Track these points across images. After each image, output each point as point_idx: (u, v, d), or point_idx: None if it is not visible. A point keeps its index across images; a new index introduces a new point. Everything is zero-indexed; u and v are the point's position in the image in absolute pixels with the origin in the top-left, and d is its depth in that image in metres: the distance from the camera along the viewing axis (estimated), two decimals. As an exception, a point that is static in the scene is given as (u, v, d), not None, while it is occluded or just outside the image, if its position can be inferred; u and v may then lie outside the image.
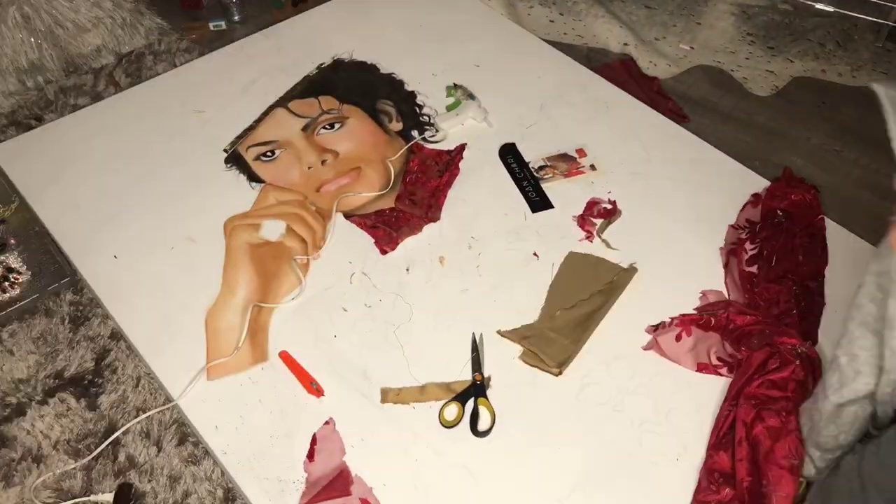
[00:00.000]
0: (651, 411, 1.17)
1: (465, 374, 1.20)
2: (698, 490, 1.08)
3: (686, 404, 1.18)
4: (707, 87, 1.82)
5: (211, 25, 1.93)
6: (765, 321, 1.21)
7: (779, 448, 1.06)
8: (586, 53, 1.89)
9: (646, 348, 1.24)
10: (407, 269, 1.35)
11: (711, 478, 1.08)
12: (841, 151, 1.66)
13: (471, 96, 1.64)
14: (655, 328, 1.26)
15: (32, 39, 1.71)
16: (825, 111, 1.76)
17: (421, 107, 1.65)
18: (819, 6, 1.84)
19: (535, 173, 1.50)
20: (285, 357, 1.22)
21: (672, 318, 1.26)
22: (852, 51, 1.91)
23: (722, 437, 1.12)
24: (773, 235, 1.37)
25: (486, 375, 1.20)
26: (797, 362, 1.13)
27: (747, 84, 1.83)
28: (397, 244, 1.38)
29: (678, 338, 1.23)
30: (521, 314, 1.28)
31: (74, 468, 1.13)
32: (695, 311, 1.27)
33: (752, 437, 1.08)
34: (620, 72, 1.82)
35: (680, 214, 1.44)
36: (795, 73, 1.85)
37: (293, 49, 1.79)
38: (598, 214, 1.43)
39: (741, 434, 1.09)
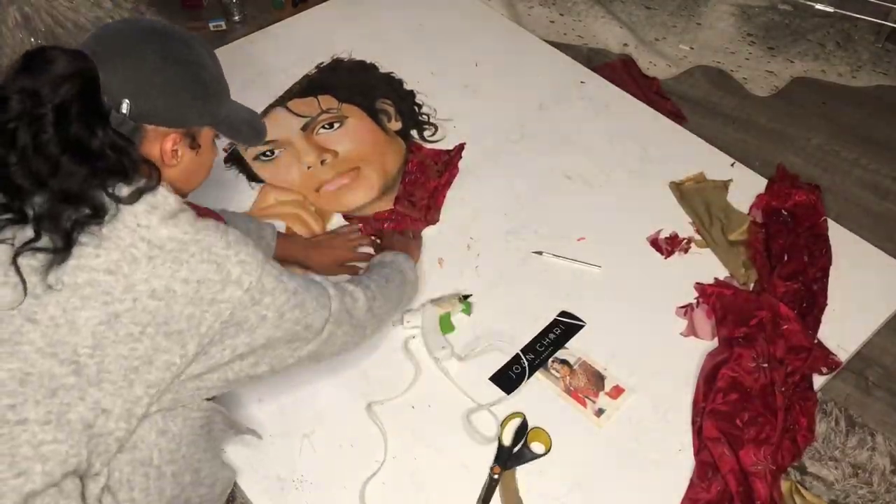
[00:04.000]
0: (649, 410, 1.17)
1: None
2: (690, 486, 1.09)
3: (686, 403, 1.18)
4: (707, 87, 1.82)
5: (211, 25, 1.93)
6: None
7: (743, 456, 1.09)
8: (586, 54, 1.89)
9: (685, 334, 1.26)
10: (406, 270, 1.35)
11: (702, 473, 1.09)
12: (841, 151, 1.66)
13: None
14: (685, 310, 1.29)
15: (32, 39, 1.71)
16: (825, 111, 1.76)
17: (420, 106, 1.65)
18: (819, 6, 1.84)
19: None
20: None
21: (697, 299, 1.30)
22: (852, 51, 1.91)
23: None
24: (779, 233, 1.37)
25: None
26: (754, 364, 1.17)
27: (747, 84, 1.83)
28: None
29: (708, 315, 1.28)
30: (520, 314, 1.28)
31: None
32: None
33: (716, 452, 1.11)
34: (620, 72, 1.82)
35: (681, 216, 1.44)
36: (795, 74, 1.85)
37: (292, 48, 1.79)
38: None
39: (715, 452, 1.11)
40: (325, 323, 0.97)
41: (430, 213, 1.44)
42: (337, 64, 1.75)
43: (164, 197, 0.83)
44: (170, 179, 0.89)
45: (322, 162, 1.51)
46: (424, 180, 1.50)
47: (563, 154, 1.56)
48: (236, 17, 1.94)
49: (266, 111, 1.63)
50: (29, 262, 0.78)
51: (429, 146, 1.57)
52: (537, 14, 2.00)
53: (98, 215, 0.78)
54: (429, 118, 1.62)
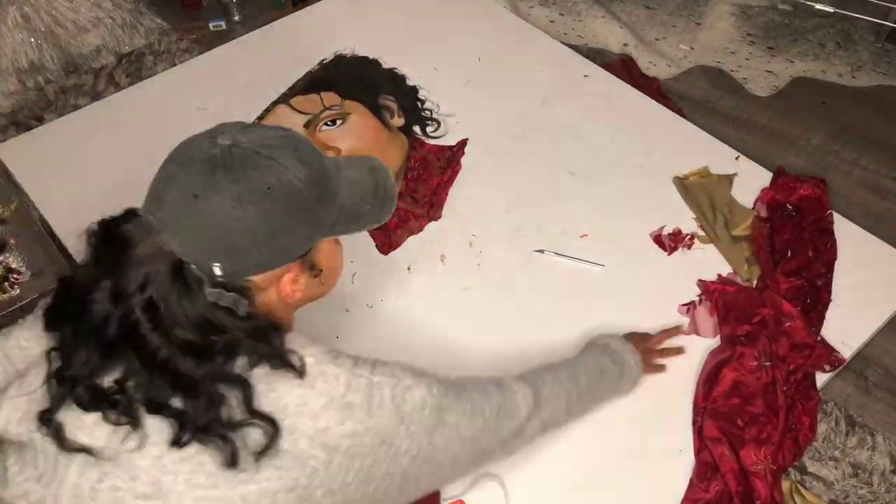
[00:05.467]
0: (652, 410, 1.17)
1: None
2: (690, 486, 1.09)
3: (687, 402, 1.18)
4: (707, 87, 1.83)
5: (211, 25, 1.93)
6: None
7: (744, 456, 1.09)
8: (586, 53, 1.89)
9: (687, 332, 1.26)
10: (408, 269, 1.35)
11: (702, 473, 1.09)
12: (841, 151, 1.67)
13: None
14: (687, 307, 1.29)
15: (32, 39, 1.71)
16: (825, 111, 1.77)
17: (423, 102, 1.65)
18: (819, 6, 1.85)
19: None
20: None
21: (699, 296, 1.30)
22: (852, 51, 1.92)
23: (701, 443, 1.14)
24: (783, 228, 1.37)
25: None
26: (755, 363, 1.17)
27: (747, 84, 1.83)
28: (397, 246, 1.38)
29: (710, 312, 1.27)
30: (522, 312, 1.28)
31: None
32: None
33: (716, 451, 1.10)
34: (620, 72, 1.82)
35: (684, 212, 1.45)
36: (795, 73, 1.86)
37: (294, 45, 1.79)
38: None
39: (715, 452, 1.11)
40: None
41: (433, 209, 1.44)
42: (339, 60, 1.74)
43: (333, 379, 0.72)
44: (279, 310, 0.76)
45: (324, 160, 1.50)
46: (427, 176, 1.50)
47: (566, 149, 1.55)
48: (236, 17, 1.95)
49: (268, 108, 1.63)
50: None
51: (431, 142, 1.57)
52: (537, 14, 2.00)
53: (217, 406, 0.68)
54: (431, 114, 1.62)
